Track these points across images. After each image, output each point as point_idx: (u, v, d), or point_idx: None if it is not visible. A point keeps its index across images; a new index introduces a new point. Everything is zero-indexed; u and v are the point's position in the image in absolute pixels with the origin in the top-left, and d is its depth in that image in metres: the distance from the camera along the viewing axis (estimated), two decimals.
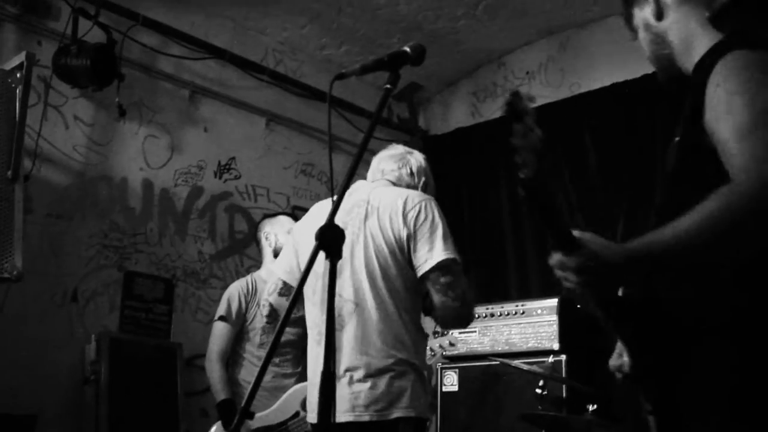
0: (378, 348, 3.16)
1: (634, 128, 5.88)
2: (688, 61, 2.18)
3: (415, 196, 3.33)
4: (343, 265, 3.23)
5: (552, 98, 6.54)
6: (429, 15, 6.26)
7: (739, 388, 1.93)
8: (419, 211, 3.26)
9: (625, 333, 2.19)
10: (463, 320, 3.32)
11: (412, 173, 3.57)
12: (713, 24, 2.19)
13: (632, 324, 2.13)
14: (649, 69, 5.89)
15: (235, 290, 4.81)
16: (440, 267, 3.19)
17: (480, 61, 7.08)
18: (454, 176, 7.08)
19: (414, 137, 7.33)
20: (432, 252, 3.21)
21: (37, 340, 4.84)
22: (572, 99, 6.40)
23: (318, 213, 3.56)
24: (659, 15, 2.28)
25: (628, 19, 2.43)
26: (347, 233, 2.52)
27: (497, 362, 4.98)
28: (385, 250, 3.24)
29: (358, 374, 3.15)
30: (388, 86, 2.30)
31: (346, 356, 3.17)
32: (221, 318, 4.72)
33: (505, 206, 6.65)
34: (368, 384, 3.13)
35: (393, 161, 3.59)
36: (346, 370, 3.15)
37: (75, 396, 4.87)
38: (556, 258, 1.89)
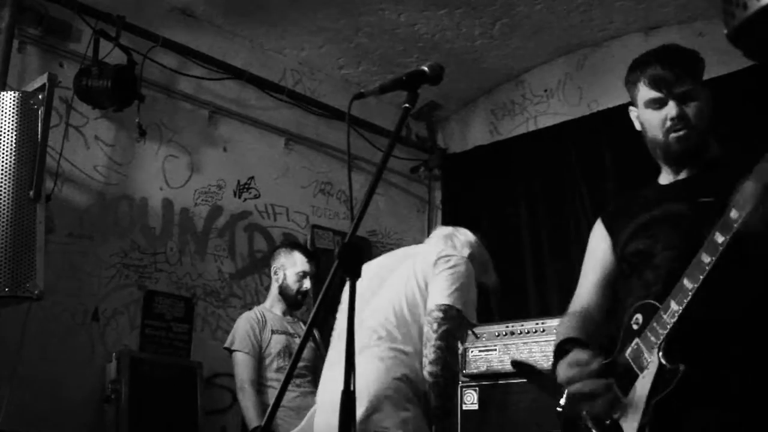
0: None
1: None
2: None
3: (451, 251, 3.45)
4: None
5: (570, 116, 6.55)
6: (447, 34, 6.28)
7: None
8: (448, 260, 3.41)
9: None
10: (439, 363, 3.26)
11: (455, 246, 3.71)
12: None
13: None
14: None
15: (246, 321, 4.85)
16: (441, 308, 3.24)
17: (498, 79, 7.09)
18: (473, 194, 7.08)
19: (432, 155, 7.35)
20: (442, 293, 3.29)
21: (58, 359, 4.87)
22: (590, 116, 6.38)
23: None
24: None
25: None
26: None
27: (519, 379, 4.97)
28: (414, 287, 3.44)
29: None
30: (407, 105, 2.31)
31: None
32: (237, 350, 4.75)
33: (524, 223, 6.63)
34: None
35: (441, 240, 3.77)
36: None
37: (95, 415, 4.88)
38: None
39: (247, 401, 4.63)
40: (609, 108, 6.25)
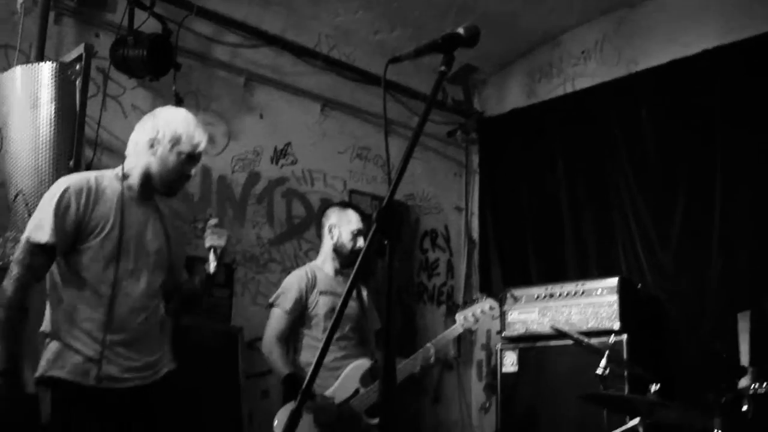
0: None
1: (693, 106, 5.78)
2: None
3: None
4: None
5: (608, 77, 6.46)
6: None
7: None
8: None
9: None
10: None
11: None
12: None
13: None
14: (708, 44, 5.81)
15: (294, 280, 4.78)
16: None
17: (534, 41, 7.02)
18: (510, 157, 7.05)
19: (469, 119, 7.31)
20: None
21: None
22: (629, 77, 6.30)
23: None
24: None
25: None
26: None
27: (558, 341, 4.97)
28: None
29: None
30: (443, 69, 2.29)
31: None
32: (276, 305, 4.73)
33: (562, 186, 6.59)
34: None
35: None
36: None
37: None
38: None
39: (273, 354, 4.52)
40: (648, 68, 6.17)
